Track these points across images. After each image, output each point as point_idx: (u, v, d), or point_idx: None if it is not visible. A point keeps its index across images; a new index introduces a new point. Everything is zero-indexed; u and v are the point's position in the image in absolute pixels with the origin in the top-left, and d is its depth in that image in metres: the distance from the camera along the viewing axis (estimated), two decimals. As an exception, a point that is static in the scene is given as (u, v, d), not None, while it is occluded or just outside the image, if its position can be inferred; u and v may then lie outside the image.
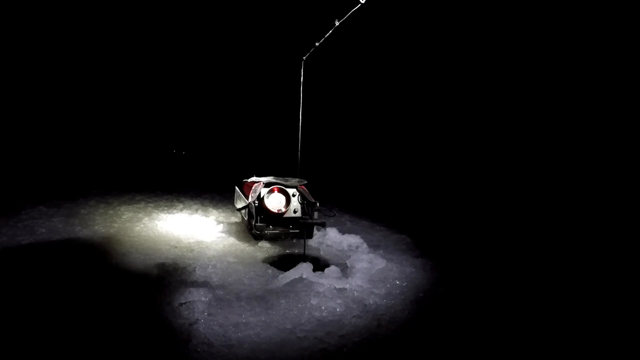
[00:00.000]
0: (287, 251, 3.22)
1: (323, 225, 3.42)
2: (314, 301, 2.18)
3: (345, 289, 2.34)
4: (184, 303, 2.13)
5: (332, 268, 2.61)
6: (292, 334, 1.89)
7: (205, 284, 2.37)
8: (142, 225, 3.70)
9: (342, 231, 3.50)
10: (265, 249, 3.19)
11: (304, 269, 2.51)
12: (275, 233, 3.36)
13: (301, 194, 3.46)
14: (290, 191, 3.43)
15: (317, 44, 2.89)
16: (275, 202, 3.37)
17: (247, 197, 3.50)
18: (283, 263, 2.90)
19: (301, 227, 3.28)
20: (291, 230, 3.41)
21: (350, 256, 2.97)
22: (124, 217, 3.98)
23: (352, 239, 3.32)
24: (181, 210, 4.46)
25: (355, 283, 2.47)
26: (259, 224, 3.34)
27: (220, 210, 4.55)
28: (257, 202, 3.35)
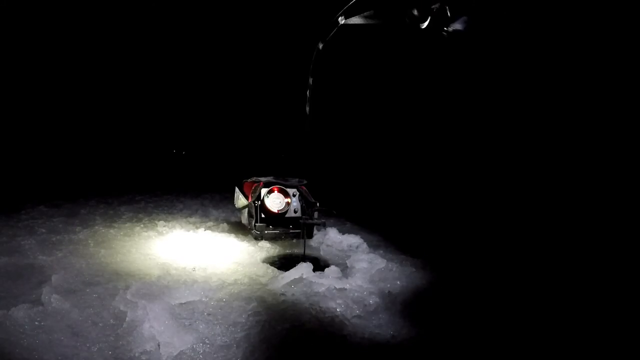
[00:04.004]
0: (287, 251, 3.22)
1: (323, 225, 3.42)
2: (314, 301, 2.18)
3: (345, 289, 2.34)
4: (184, 303, 2.13)
5: (332, 268, 2.61)
6: (291, 334, 1.89)
7: (205, 284, 2.37)
8: (142, 225, 3.70)
9: (342, 231, 3.50)
10: (265, 249, 3.19)
11: (304, 269, 2.51)
12: (275, 233, 3.37)
13: (301, 194, 3.47)
14: (290, 191, 3.44)
15: (320, 46, 2.85)
16: (275, 202, 3.37)
17: (247, 197, 3.50)
18: (283, 263, 2.90)
19: (301, 227, 3.28)
20: (291, 230, 3.42)
21: (350, 256, 2.97)
22: (124, 217, 3.98)
23: (352, 239, 3.31)
24: (181, 210, 4.46)
25: (355, 283, 2.46)
26: (259, 223, 3.34)
27: (220, 210, 4.55)
28: (257, 202, 3.36)
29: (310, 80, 2.85)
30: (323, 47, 2.83)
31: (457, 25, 2.11)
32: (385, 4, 2.32)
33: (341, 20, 2.62)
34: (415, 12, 2.11)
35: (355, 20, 2.52)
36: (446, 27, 2.10)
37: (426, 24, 2.13)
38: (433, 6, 2.08)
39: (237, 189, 3.81)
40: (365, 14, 2.43)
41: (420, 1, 2.11)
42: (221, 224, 3.84)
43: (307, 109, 2.83)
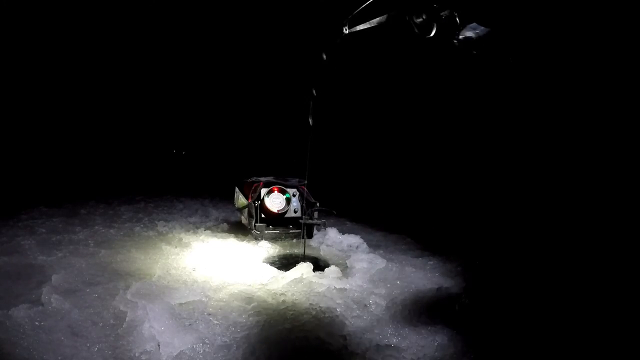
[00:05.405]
0: (287, 251, 3.22)
1: (323, 225, 3.42)
2: (314, 301, 2.18)
3: (345, 289, 2.34)
4: (184, 303, 2.13)
5: (332, 268, 2.61)
6: (291, 334, 1.89)
7: (205, 284, 2.37)
8: (142, 225, 3.70)
9: (342, 231, 3.50)
10: (265, 249, 3.19)
11: (304, 269, 2.51)
12: (275, 233, 3.37)
13: (301, 194, 3.47)
14: (291, 191, 3.44)
15: (324, 56, 2.81)
16: (275, 202, 3.37)
17: (247, 197, 3.50)
18: (283, 263, 2.90)
19: (301, 227, 3.28)
20: (291, 230, 3.42)
21: (350, 256, 2.97)
22: (124, 217, 3.98)
23: (352, 239, 3.31)
24: (181, 210, 4.47)
25: (355, 283, 2.46)
26: (259, 224, 3.34)
27: (220, 210, 4.56)
28: (257, 202, 3.36)
29: (314, 92, 2.83)
30: (327, 57, 2.80)
31: (467, 33, 2.07)
32: (391, 12, 2.28)
33: (345, 30, 2.58)
34: (423, 19, 2.08)
35: (360, 26, 2.49)
36: (456, 35, 2.07)
37: (434, 31, 2.10)
38: (442, 13, 2.04)
39: (237, 189, 3.81)
40: (372, 21, 2.39)
41: (428, 9, 2.07)
42: (221, 224, 3.84)
43: (310, 120, 2.81)
